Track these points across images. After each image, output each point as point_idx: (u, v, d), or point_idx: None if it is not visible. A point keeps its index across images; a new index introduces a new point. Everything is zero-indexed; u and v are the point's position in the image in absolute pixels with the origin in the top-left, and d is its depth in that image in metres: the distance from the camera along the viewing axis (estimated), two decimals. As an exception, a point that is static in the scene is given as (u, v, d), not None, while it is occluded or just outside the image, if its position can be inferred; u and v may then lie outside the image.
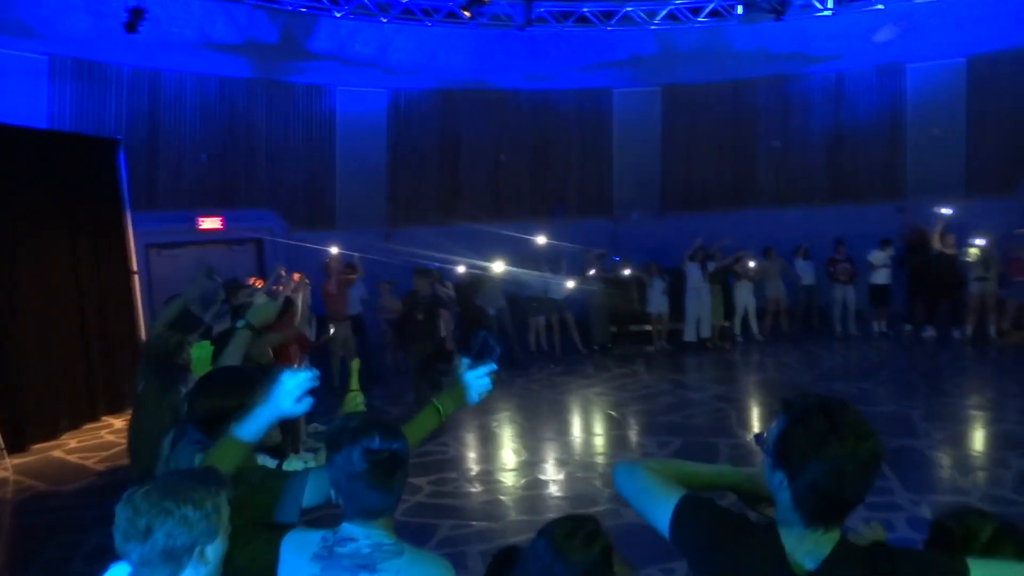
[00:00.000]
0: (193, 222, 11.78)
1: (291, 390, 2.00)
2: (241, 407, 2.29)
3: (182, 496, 1.55)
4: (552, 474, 6.74)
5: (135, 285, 10.24)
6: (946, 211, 11.52)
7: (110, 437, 8.65)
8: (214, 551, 1.60)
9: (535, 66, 14.41)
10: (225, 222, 12.09)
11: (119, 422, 9.26)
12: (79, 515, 6.21)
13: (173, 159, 11.91)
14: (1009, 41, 13.04)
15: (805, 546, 1.55)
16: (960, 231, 11.71)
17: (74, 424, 8.86)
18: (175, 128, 11.83)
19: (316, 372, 2.05)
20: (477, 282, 11.83)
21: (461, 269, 11.51)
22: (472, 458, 7.28)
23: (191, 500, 1.56)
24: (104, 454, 7.99)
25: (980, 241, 11.06)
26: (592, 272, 11.96)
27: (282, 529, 2.18)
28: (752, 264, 12.10)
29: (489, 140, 14.83)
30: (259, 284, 8.48)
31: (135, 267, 10.28)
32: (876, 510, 5.56)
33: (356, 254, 11.32)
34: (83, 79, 10.83)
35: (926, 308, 11.94)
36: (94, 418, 9.21)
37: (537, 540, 1.85)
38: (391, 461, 1.85)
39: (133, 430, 4.57)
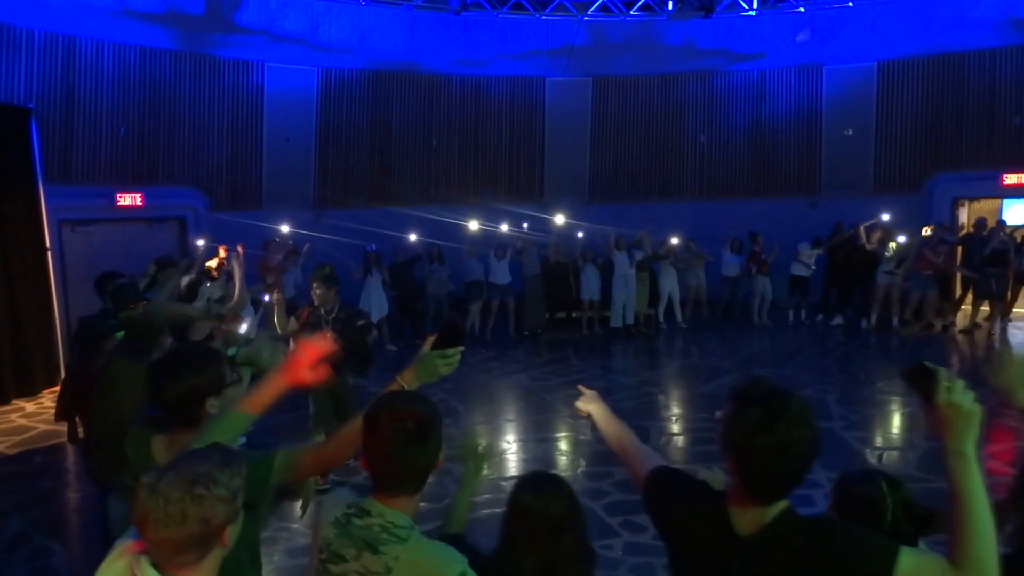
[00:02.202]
0: (111, 198, 11.22)
1: (308, 357, 1.96)
2: (212, 384, 2.26)
3: (211, 479, 1.49)
4: (489, 456, 6.83)
5: (48, 263, 9.72)
6: (885, 216, 12.29)
7: (22, 421, 8.24)
8: (235, 532, 1.57)
9: (468, 51, 14.38)
10: (145, 199, 11.58)
11: (31, 406, 8.83)
12: (-6, 502, 5.93)
13: (90, 131, 11.30)
14: (916, 48, 13.86)
15: (749, 514, 1.69)
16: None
17: (-19, 408, 8.40)
18: (92, 98, 11.22)
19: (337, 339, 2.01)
20: (415, 263, 11.87)
21: (412, 238, 11.63)
22: (408, 441, 7.29)
23: (220, 482, 1.50)
24: (16, 439, 7.60)
25: (902, 238, 11.94)
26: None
27: (249, 509, 2.18)
28: (675, 241, 12.47)
29: (421, 124, 14.71)
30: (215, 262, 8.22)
31: (48, 244, 9.77)
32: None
33: (306, 244, 11.20)
34: (-11, 42, 10.15)
35: (841, 298, 12.66)
36: (4, 401, 8.74)
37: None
38: (413, 429, 1.76)
39: (100, 416, 3.95)
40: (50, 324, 9.61)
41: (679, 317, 12.83)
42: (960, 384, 1.56)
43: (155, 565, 1.50)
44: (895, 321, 12.03)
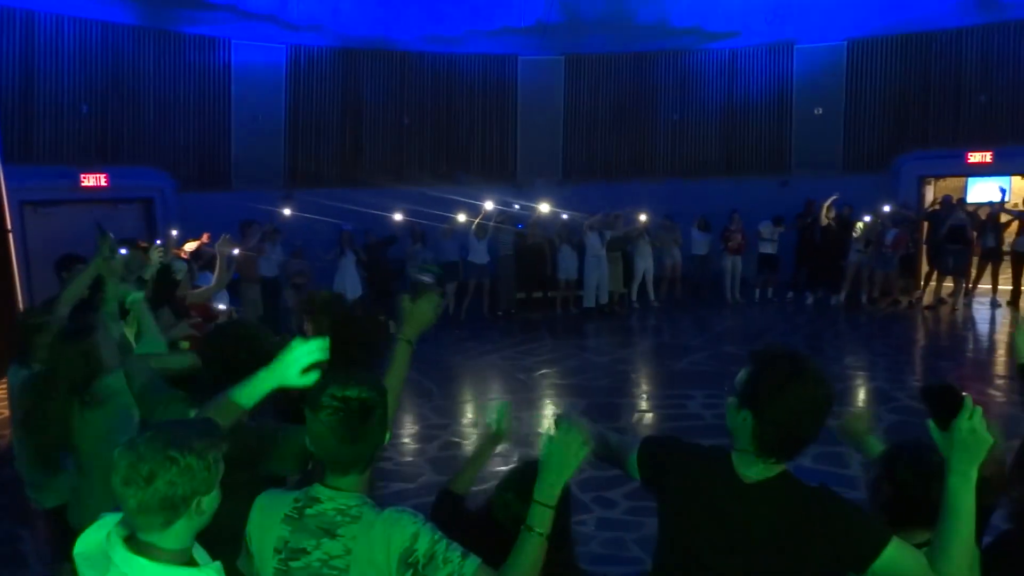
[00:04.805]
0: (74, 178, 10.97)
1: (298, 359, 1.94)
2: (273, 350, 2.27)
3: (186, 445, 1.52)
4: (465, 435, 6.86)
5: (9, 245, 9.50)
6: (835, 196, 12.45)
7: (-14, 406, 8.07)
8: (210, 503, 1.58)
9: (440, 27, 14.20)
10: (110, 179, 11.34)
11: (-5, 390, 8.65)
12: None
13: (51, 109, 11.02)
14: (885, 26, 13.96)
15: (754, 468, 1.76)
16: (839, 206, 12.57)
17: (-57, 393, 8.19)
18: (53, 75, 10.93)
19: (326, 343, 1.97)
20: (389, 244, 11.77)
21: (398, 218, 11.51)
22: (383, 422, 7.28)
23: (194, 450, 1.53)
24: (-19, 425, 7.46)
25: (867, 218, 12.03)
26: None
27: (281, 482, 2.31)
28: (644, 218, 12.47)
29: (392, 102, 14.55)
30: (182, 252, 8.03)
31: (9, 226, 9.53)
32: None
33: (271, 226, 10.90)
34: (-58, 16, 9.84)
35: (810, 276, 12.79)
36: (-34, 387, 8.54)
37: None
38: (357, 409, 1.73)
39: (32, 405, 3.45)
40: (12, 308, 9.40)
41: (652, 296, 12.91)
42: (979, 412, 1.60)
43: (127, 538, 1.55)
44: (864, 299, 12.23)
